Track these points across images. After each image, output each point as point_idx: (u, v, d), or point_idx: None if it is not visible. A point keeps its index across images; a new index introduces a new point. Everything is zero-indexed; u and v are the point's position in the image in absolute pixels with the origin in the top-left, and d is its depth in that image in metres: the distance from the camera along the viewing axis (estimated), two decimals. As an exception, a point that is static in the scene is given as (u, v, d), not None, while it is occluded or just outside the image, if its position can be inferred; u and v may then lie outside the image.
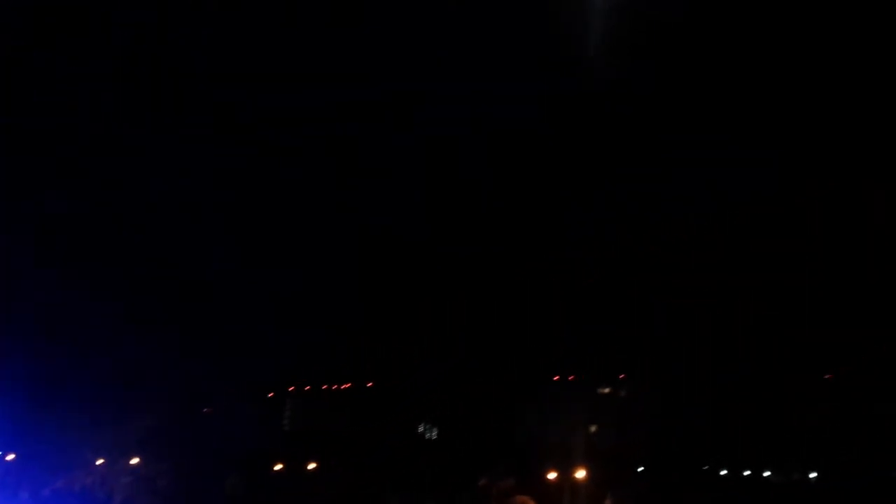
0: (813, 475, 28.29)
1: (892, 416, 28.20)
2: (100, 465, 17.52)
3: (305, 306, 30.92)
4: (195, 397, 30.61)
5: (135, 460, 17.53)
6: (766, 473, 28.90)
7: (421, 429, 35.02)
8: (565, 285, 31.65)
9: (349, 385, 38.24)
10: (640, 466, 28.05)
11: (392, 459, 27.33)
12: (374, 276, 31.90)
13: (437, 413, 34.57)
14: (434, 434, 34.82)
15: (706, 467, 29.09)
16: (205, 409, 32.63)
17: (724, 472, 29.01)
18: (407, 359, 34.42)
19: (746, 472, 28.79)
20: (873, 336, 29.01)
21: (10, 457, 17.07)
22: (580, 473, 12.60)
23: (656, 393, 31.73)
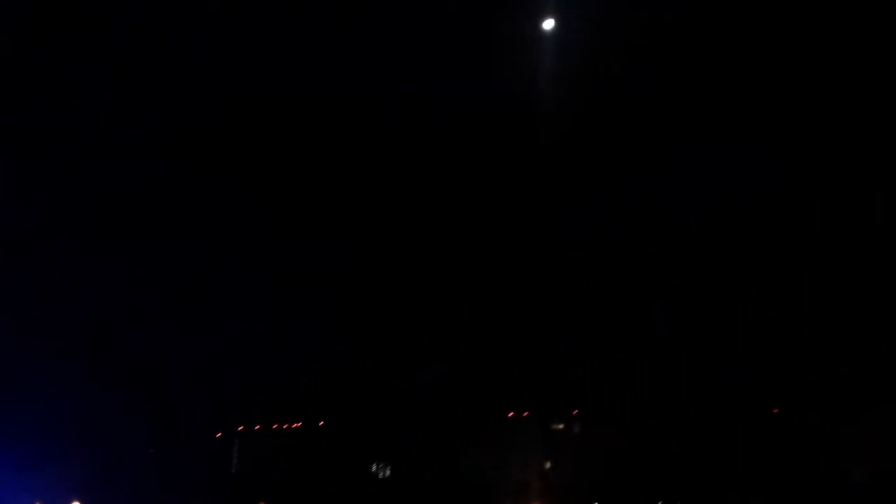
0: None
1: (836, 451, 28.82)
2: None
3: (255, 344, 30.39)
4: (137, 438, 29.62)
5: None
6: (719, 508, 29.02)
7: (374, 468, 34.41)
8: (517, 322, 31.73)
9: (300, 424, 37.51)
10: (595, 502, 27.94)
11: (344, 500, 26.75)
12: (324, 314, 31.52)
13: (391, 451, 34.03)
14: (387, 473, 34.24)
15: (660, 503, 29.11)
16: (150, 450, 31.59)
17: (678, 507, 29.08)
18: (358, 398, 33.97)
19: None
20: (821, 367, 29.66)
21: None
22: (535, 510, 12.54)
23: (610, 428, 31.78)
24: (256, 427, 37.58)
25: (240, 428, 37.36)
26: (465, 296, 32.26)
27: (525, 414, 33.48)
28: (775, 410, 31.46)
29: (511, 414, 33.58)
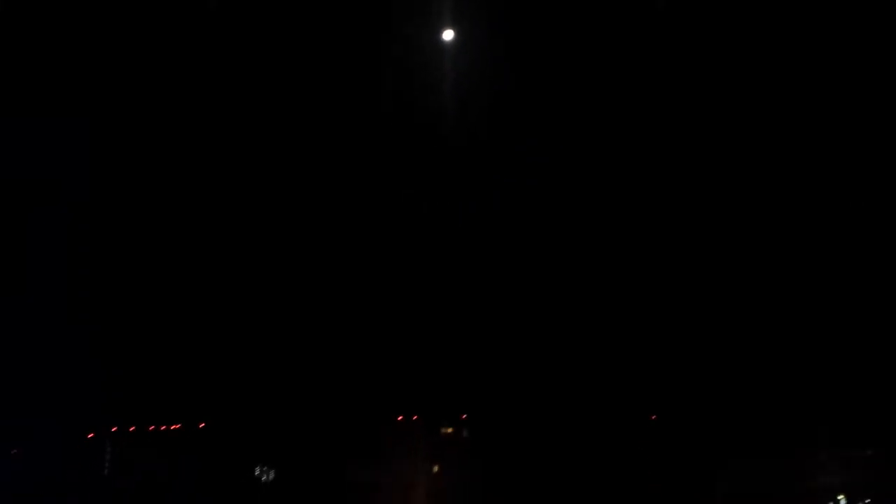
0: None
1: (706, 454, 30.40)
2: None
3: (131, 335, 28.88)
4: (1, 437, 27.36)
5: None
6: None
7: (257, 471, 33.32)
8: (407, 325, 31.61)
9: (178, 426, 35.82)
10: (481, 506, 28.17)
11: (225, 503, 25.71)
12: (209, 306, 30.36)
13: (275, 454, 33.05)
14: (271, 476, 33.23)
15: (544, 506, 29.71)
16: (12, 451, 29.24)
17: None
18: (242, 396, 32.81)
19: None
20: (693, 377, 31.22)
21: None
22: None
23: (498, 432, 32.20)
24: (131, 428, 35.60)
25: (113, 429, 35.28)
26: (356, 297, 31.82)
27: (414, 418, 33.40)
28: (653, 417, 32.82)
29: (400, 418, 33.41)
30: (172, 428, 36.36)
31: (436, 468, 31.65)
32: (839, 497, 27.42)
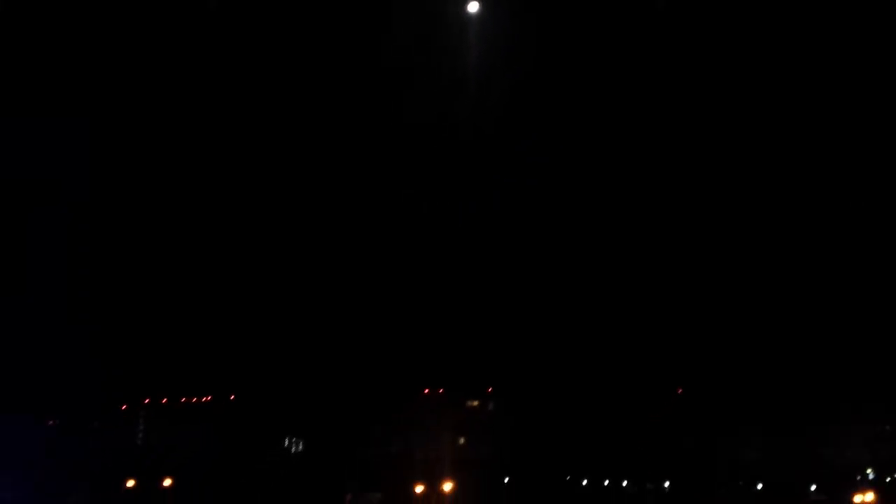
0: (666, 484, 29.67)
1: (733, 428, 30.14)
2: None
3: (165, 313, 29.46)
4: (39, 409, 28.34)
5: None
6: (624, 483, 30.03)
7: (286, 443, 33.97)
8: (435, 300, 31.74)
9: (209, 398, 36.58)
10: (506, 477, 28.44)
11: (255, 475, 26.34)
12: (236, 285, 30.83)
13: (304, 426, 33.67)
14: (300, 447, 33.87)
15: (568, 478, 29.88)
16: (50, 422, 30.24)
17: (584, 482, 29.90)
18: (272, 370, 33.42)
19: (605, 482, 29.81)
20: (719, 352, 30.94)
21: None
22: (447, 486, 12.52)
23: (522, 406, 32.35)
24: (163, 401, 36.53)
25: (146, 401, 36.26)
26: (385, 276, 32.05)
27: (440, 391, 33.71)
28: (679, 391, 32.58)
29: (426, 391, 33.75)
30: (204, 400, 37.20)
31: (462, 440, 31.98)
32: (867, 470, 27.03)
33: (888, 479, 26.98)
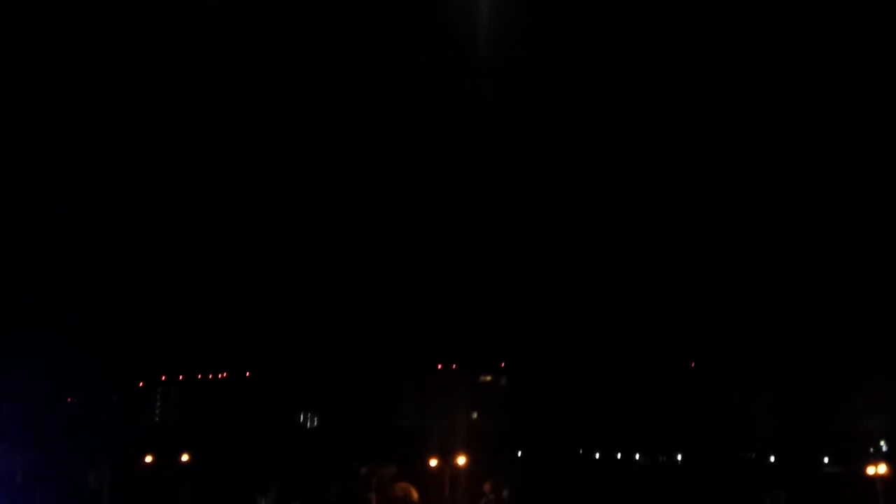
0: (678, 457, 29.80)
1: (745, 404, 30.18)
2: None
3: (181, 292, 29.68)
4: (57, 386, 28.73)
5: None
6: (636, 456, 30.18)
7: (301, 418, 34.34)
8: (445, 277, 31.80)
9: (225, 374, 36.97)
10: (519, 451, 28.60)
11: (270, 449, 26.61)
12: (250, 265, 31.00)
13: (319, 401, 33.98)
14: (315, 422, 34.23)
15: (581, 451, 30.04)
16: (69, 399, 30.66)
17: (597, 456, 30.07)
18: (287, 346, 33.68)
19: (618, 456, 29.97)
20: (726, 328, 30.91)
21: None
22: (461, 459, 12.66)
23: (535, 381, 32.49)
24: (180, 377, 36.97)
25: (162, 378, 36.72)
26: (400, 254, 32.11)
27: (453, 366, 33.90)
28: (692, 364, 32.58)
29: (440, 366, 33.96)
30: (220, 376, 37.60)
31: (475, 414, 32.20)
32: (881, 442, 27.02)
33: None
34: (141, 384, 35.72)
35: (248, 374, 35.33)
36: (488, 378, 33.95)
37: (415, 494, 7.06)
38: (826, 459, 26.75)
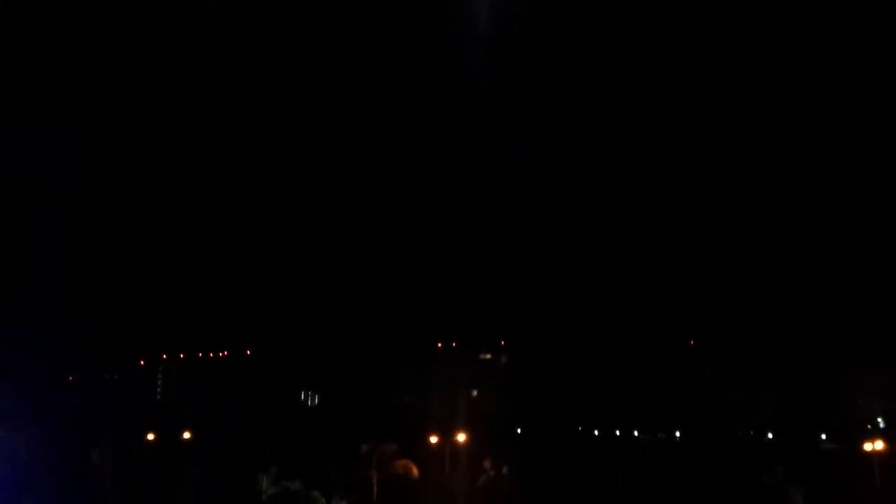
0: (677, 433, 30.02)
1: (742, 382, 30.34)
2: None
3: (179, 271, 29.76)
4: (59, 365, 28.85)
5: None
6: (635, 433, 30.40)
7: (302, 396, 34.51)
8: (448, 255, 31.84)
9: (226, 353, 37.10)
10: (518, 429, 28.81)
11: (271, 427, 26.81)
12: (256, 243, 31.06)
13: (320, 379, 34.15)
14: (316, 400, 34.41)
15: (580, 428, 30.24)
16: (70, 378, 30.80)
17: (596, 433, 30.28)
18: (287, 324, 33.77)
19: (617, 432, 30.17)
20: (723, 309, 31.02)
21: None
22: (461, 437, 12.74)
23: (534, 359, 32.64)
24: (181, 356, 37.10)
25: (164, 356, 36.85)
26: (403, 237, 32.13)
27: (453, 344, 34.04)
28: (691, 343, 32.71)
29: (440, 345, 34.09)
30: (221, 355, 37.73)
31: (475, 392, 32.37)
32: (878, 419, 27.21)
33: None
34: (142, 362, 35.88)
35: (248, 352, 35.48)
36: (488, 356, 34.12)
37: (415, 471, 7.11)
38: (823, 436, 26.94)
